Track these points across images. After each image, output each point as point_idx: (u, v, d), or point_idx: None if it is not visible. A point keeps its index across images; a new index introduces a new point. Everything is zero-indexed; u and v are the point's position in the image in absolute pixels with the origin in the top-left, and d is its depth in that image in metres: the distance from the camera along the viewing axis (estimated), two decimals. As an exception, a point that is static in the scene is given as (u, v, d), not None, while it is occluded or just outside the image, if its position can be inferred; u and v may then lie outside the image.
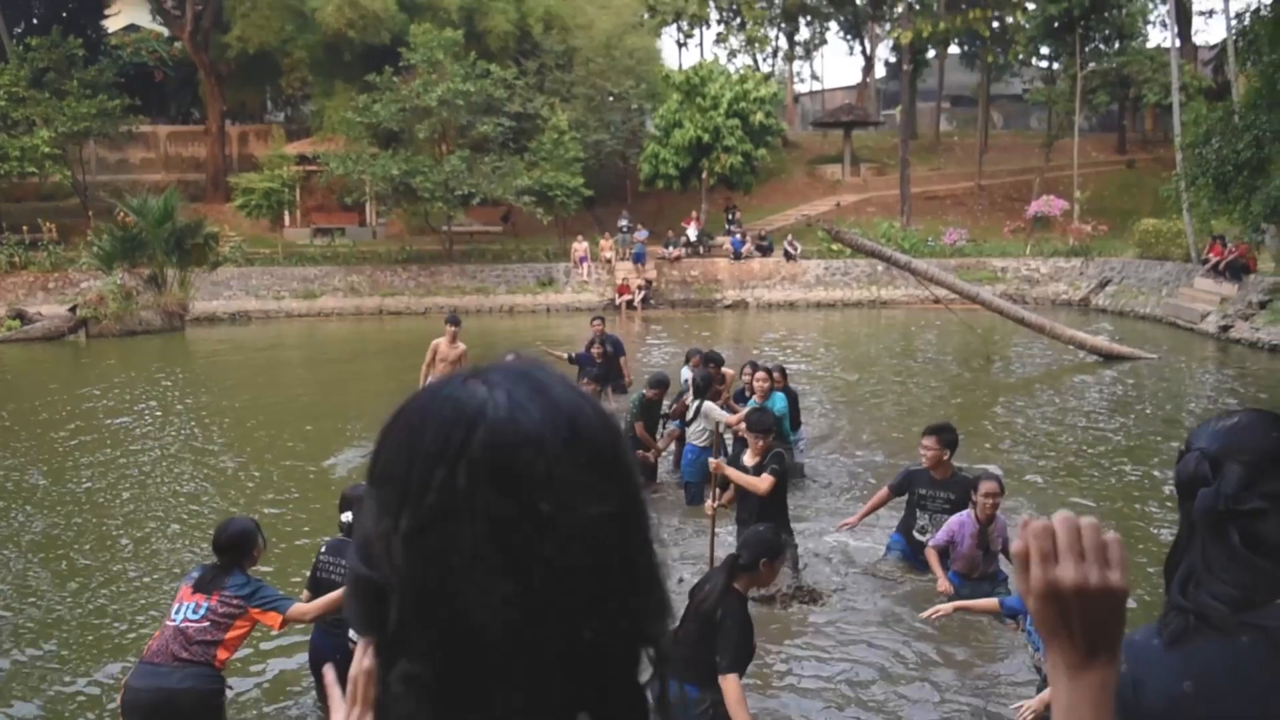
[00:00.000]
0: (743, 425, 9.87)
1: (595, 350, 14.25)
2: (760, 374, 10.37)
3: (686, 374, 11.48)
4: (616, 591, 0.90)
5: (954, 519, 7.28)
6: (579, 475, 0.89)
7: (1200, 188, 16.78)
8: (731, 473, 7.88)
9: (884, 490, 8.27)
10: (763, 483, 7.63)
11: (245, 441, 13.81)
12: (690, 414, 10.29)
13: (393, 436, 0.94)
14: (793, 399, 11.11)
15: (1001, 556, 7.12)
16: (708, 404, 10.02)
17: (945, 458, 7.83)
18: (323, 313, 33.21)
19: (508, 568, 0.86)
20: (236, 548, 5.31)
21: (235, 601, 5.18)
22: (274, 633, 5.97)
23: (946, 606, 6.17)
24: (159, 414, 15.93)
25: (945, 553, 7.23)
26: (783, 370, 11.35)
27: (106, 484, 11.54)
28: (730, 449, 10.26)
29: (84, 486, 11.41)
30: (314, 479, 11.63)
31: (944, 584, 7.12)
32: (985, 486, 7.05)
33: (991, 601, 6.14)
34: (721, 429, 9.82)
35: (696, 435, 10.18)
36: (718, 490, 8.15)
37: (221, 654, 5.16)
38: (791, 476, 9.70)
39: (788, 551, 6.71)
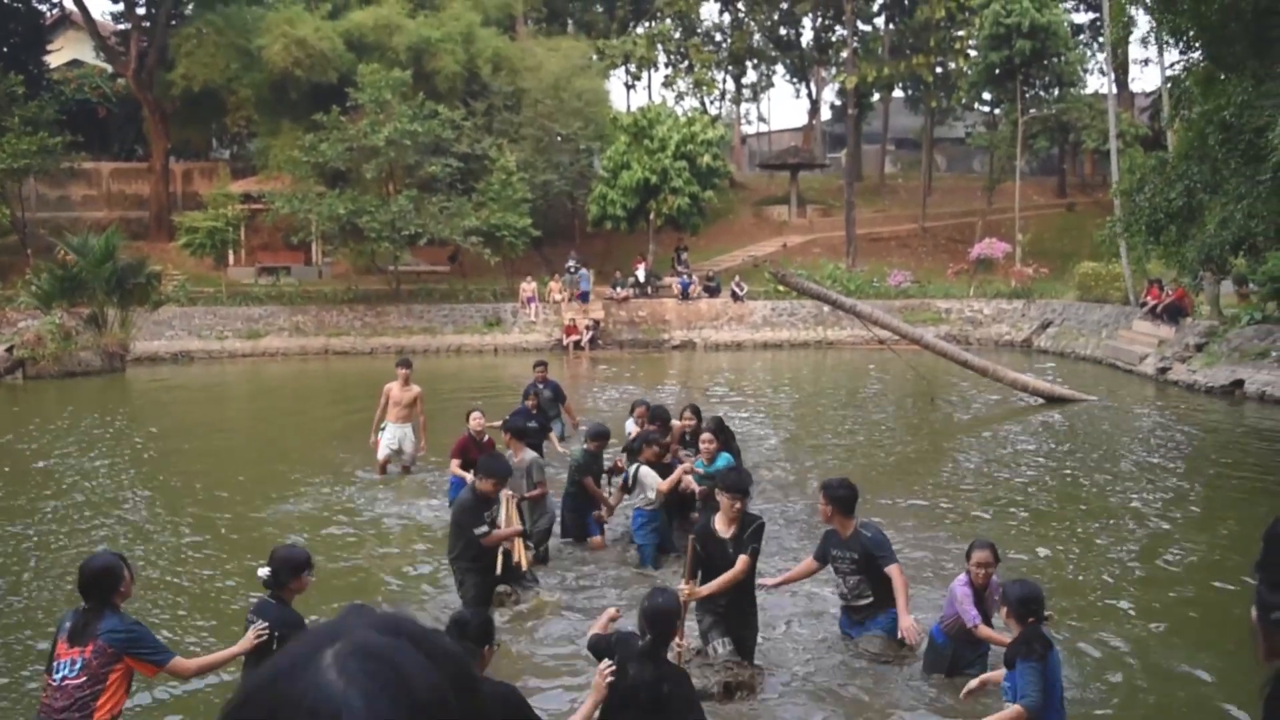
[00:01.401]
0: (686, 484, 9.73)
1: (530, 402, 13.92)
2: (706, 435, 9.98)
3: (630, 426, 11.30)
4: None
5: (957, 587, 6.93)
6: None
7: (1134, 233, 17.12)
8: (709, 588, 6.94)
9: (808, 560, 7.90)
10: (741, 569, 6.91)
11: (178, 489, 13.48)
12: (630, 479, 9.98)
13: (248, 686, 0.91)
14: (735, 454, 10.63)
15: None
16: (643, 469, 9.78)
17: (832, 514, 7.45)
18: (267, 353, 32.83)
19: None
20: (100, 585, 5.10)
21: (110, 651, 5.00)
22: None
23: (974, 683, 6.07)
24: (90, 457, 15.59)
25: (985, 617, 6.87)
26: (720, 423, 10.75)
27: (15, 531, 11.22)
28: (665, 515, 10.06)
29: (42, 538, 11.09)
30: (246, 530, 11.41)
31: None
32: (977, 556, 6.79)
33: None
34: (653, 494, 9.71)
35: (639, 500, 9.90)
36: (690, 580, 7.03)
37: (103, 707, 4.97)
38: None
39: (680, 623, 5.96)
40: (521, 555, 8.61)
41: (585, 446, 10.65)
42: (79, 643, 5.03)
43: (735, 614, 7.11)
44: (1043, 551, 10.36)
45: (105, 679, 4.99)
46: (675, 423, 11.08)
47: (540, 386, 14.71)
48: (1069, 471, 14.30)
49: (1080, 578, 9.59)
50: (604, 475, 10.82)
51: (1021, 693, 5.36)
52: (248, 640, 5.41)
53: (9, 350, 26.71)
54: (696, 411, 10.96)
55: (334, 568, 9.69)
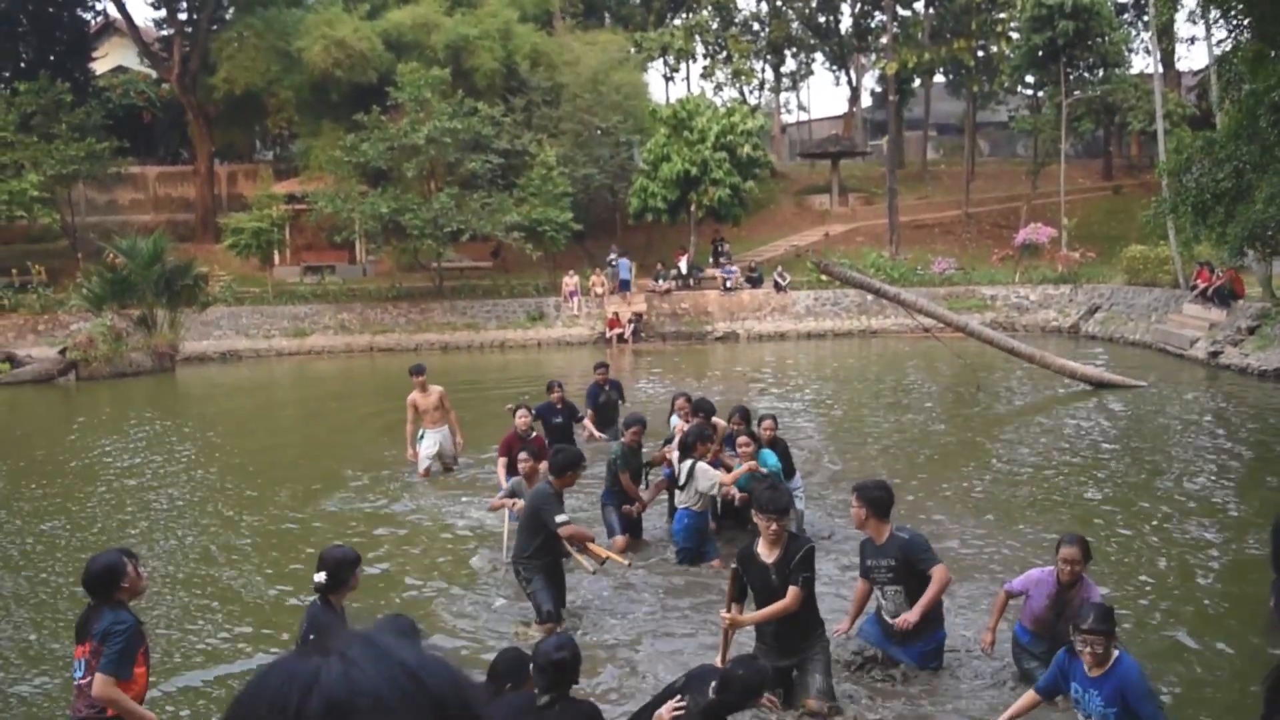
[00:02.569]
0: (727, 491, 9.40)
1: (554, 395, 13.62)
2: (743, 438, 9.62)
3: (676, 422, 11.01)
4: None
5: (1035, 570, 6.73)
6: (418, 715, 0.91)
7: (1181, 214, 16.82)
8: (753, 618, 6.54)
9: (859, 583, 7.28)
10: (792, 600, 6.32)
11: (222, 488, 13.65)
12: (682, 477, 9.49)
13: (232, 713, 0.94)
14: (783, 449, 10.32)
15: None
16: (700, 466, 9.35)
17: (866, 518, 6.93)
18: (313, 351, 33.15)
19: None
20: (102, 583, 5.09)
21: (100, 649, 5.00)
22: None
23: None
24: (139, 456, 15.83)
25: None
26: (773, 419, 10.53)
27: (56, 528, 11.42)
28: (719, 507, 9.92)
29: (61, 539, 11.29)
30: (285, 530, 11.53)
31: (986, 638, 6.75)
32: (1064, 551, 6.43)
33: (1029, 698, 5.80)
34: (714, 490, 9.38)
35: (689, 500, 9.46)
36: (733, 605, 6.65)
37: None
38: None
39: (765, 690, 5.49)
40: (602, 551, 8.47)
41: (623, 440, 10.42)
42: (80, 641, 5.08)
43: (786, 646, 6.51)
44: (1113, 543, 10.05)
45: None
46: (720, 422, 10.56)
47: (606, 388, 14.72)
48: (1123, 459, 14.10)
49: (1157, 568, 9.38)
50: (644, 471, 10.51)
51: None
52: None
53: (62, 353, 27.19)
54: (745, 415, 10.42)
55: (369, 572, 9.76)
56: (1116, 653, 5.45)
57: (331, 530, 11.20)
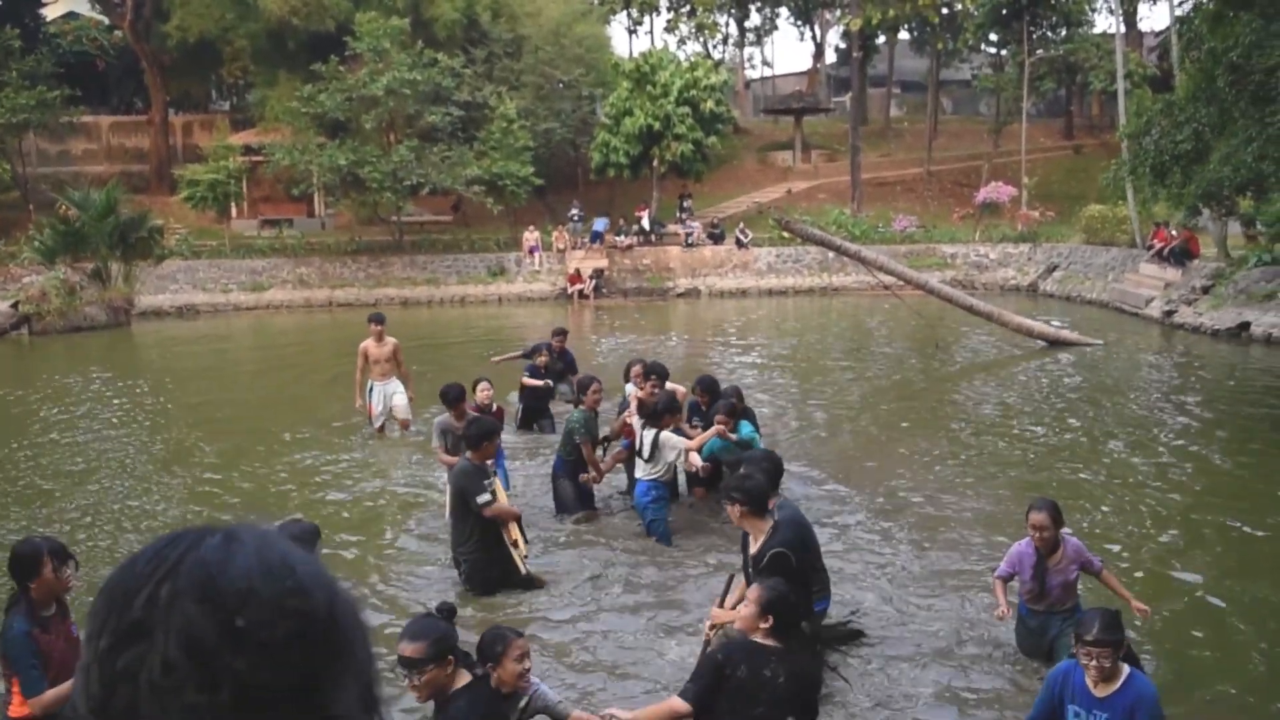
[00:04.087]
0: (690, 462, 8.89)
1: (540, 359, 13.47)
2: (720, 416, 8.92)
3: (630, 389, 10.45)
4: (301, 712, 0.92)
5: (1014, 547, 6.52)
6: (281, 598, 0.92)
7: (1139, 176, 16.94)
8: (724, 615, 5.65)
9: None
10: (747, 613, 4.78)
11: (176, 448, 13.49)
12: (646, 448, 8.81)
13: (113, 574, 0.95)
14: (751, 417, 9.69)
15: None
16: (664, 435, 8.76)
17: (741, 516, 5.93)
18: (271, 305, 32.84)
19: (200, 683, 0.87)
20: (13, 574, 4.67)
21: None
22: None
23: None
24: (92, 412, 15.63)
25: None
26: (739, 393, 9.96)
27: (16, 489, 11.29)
28: (682, 478, 9.57)
29: (38, 499, 11.16)
30: (245, 489, 11.45)
31: (1000, 609, 6.41)
32: (1033, 518, 6.22)
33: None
34: (680, 459, 8.85)
35: (657, 470, 8.81)
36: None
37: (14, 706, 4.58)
38: None
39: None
40: (521, 541, 7.91)
41: (582, 405, 9.69)
42: None
43: None
44: (1079, 501, 9.99)
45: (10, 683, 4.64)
46: (678, 388, 10.02)
47: (554, 355, 13.98)
48: (1077, 415, 14.26)
49: (1128, 523, 9.43)
50: (603, 443, 10.00)
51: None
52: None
53: (14, 306, 26.74)
54: (711, 387, 9.99)
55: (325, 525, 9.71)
56: (1127, 669, 4.78)
57: (286, 488, 11.14)
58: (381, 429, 13.17)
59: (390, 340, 13.12)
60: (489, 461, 8.01)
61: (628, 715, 4.75)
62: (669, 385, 9.82)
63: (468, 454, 7.90)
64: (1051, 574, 6.30)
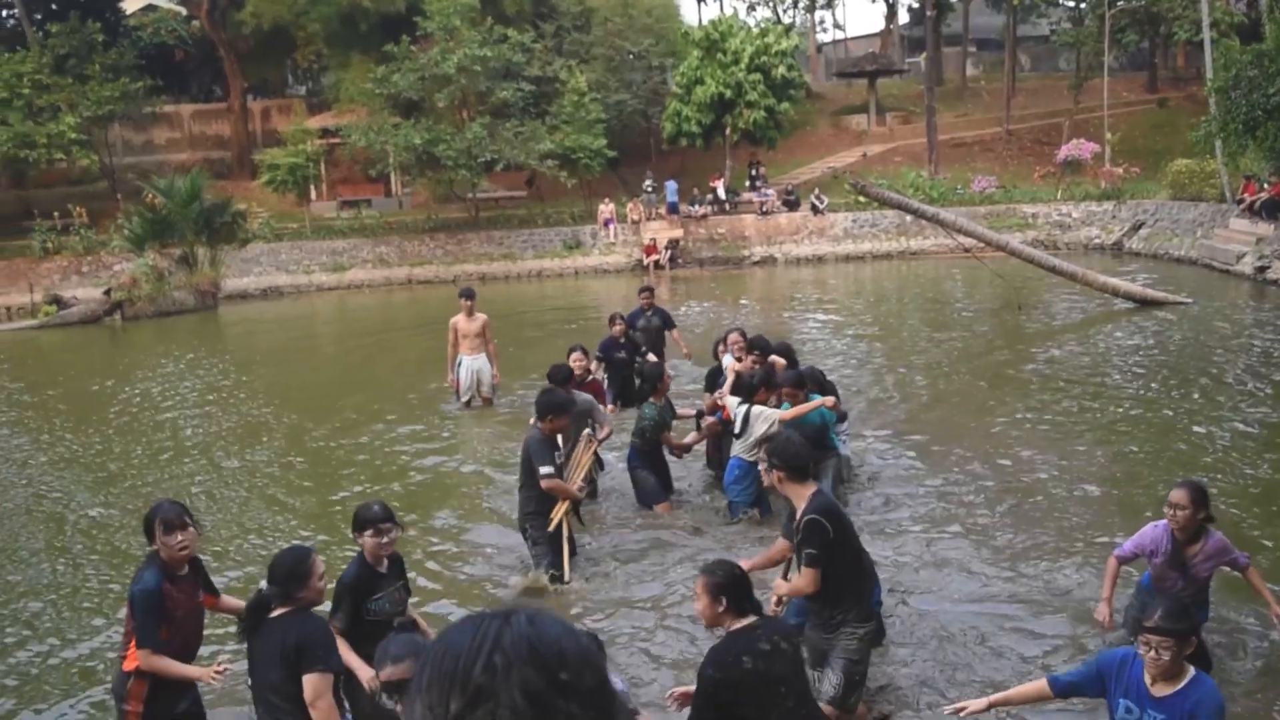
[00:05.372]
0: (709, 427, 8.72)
1: (616, 329, 12.75)
2: (787, 389, 8.46)
3: (729, 361, 9.89)
4: None
5: (1147, 527, 5.90)
6: (584, 655, 1.22)
7: (1230, 133, 16.37)
8: (783, 590, 5.54)
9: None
10: (802, 586, 5.27)
11: (261, 424, 13.83)
12: (738, 424, 8.41)
13: (432, 652, 1.23)
14: (832, 390, 9.27)
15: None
16: (755, 409, 8.34)
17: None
18: (352, 285, 33.36)
19: None
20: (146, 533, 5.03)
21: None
22: None
23: (979, 702, 4.64)
24: (184, 393, 16.08)
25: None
26: (818, 374, 9.35)
27: (155, 472, 11.66)
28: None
29: (134, 474, 11.54)
30: (321, 463, 11.69)
31: (1101, 610, 5.85)
32: (1172, 495, 5.68)
33: (1035, 687, 4.72)
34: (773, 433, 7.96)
35: (745, 449, 8.37)
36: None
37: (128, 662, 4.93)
38: (843, 480, 8.85)
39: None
40: (568, 525, 7.72)
41: (652, 400, 9.29)
42: None
43: (814, 619, 5.48)
44: (1191, 472, 9.67)
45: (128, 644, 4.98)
46: (778, 360, 9.50)
47: (647, 314, 13.56)
48: (1168, 378, 13.95)
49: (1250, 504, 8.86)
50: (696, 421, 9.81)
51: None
52: (203, 673, 4.92)
53: (107, 293, 27.52)
54: (788, 352, 9.78)
55: (395, 504, 9.85)
56: (1193, 671, 4.23)
57: (370, 463, 11.35)
58: (468, 403, 13.32)
59: (480, 315, 13.18)
60: (559, 435, 7.80)
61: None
62: (771, 358, 9.47)
63: (538, 424, 7.71)
64: (1192, 567, 5.73)
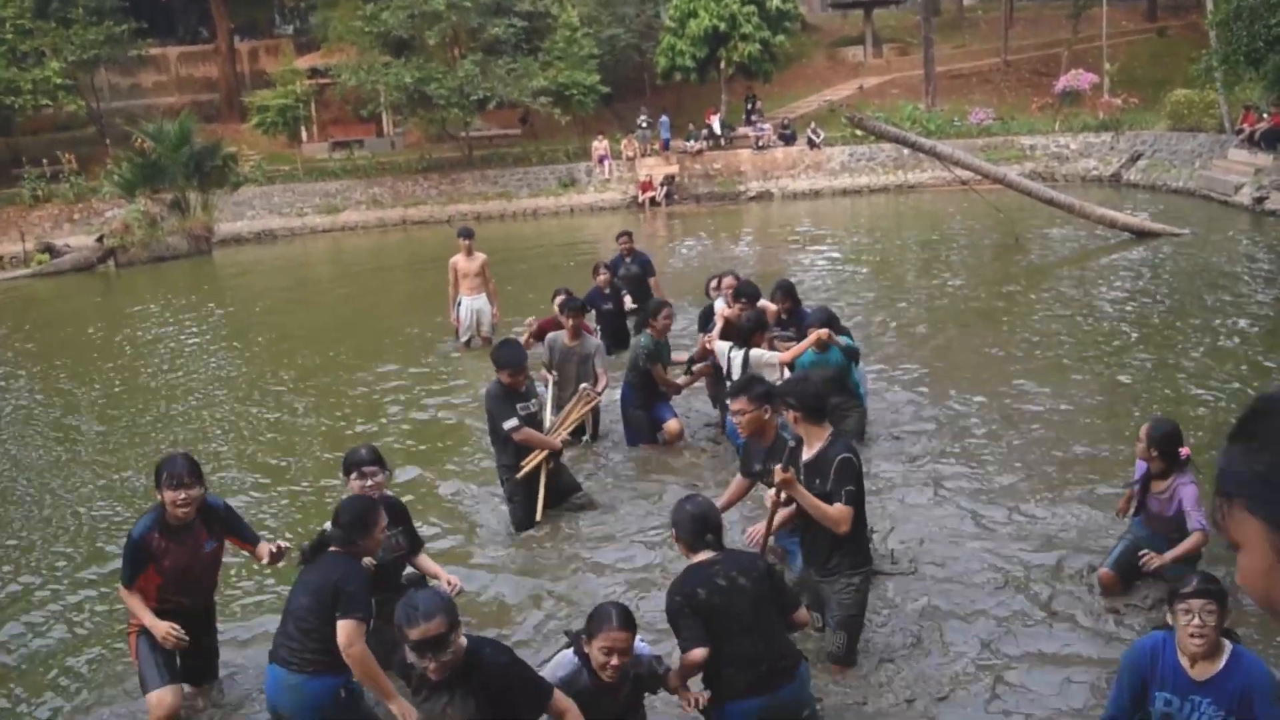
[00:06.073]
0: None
1: (601, 278, 12.06)
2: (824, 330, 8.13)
3: (719, 305, 9.43)
4: None
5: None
6: None
7: (1232, 65, 16.17)
8: (804, 496, 5.08)
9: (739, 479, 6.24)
10: (840, 520, 5.05)
11: (258, 370, 13.82)
12: (735, 369, 8.12)
13: None
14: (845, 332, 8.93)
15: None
16: (754, 352, 8.06)
17: (765, 417, 5.92)
18: (346, 226, 33.18)
19: None
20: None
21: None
22: None
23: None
24: (183, 338, 16.06)
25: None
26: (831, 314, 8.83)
27: (152, 416, 11.68)
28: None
29: (141, 419, 11.56)
30: (323, 406, 11.70)
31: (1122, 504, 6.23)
32: (1141, 430, 5.97)
33: None
34: (775, 375, 7.71)
35: None
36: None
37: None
38: (862, 436, 8.56)
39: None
40: (546, 471, 7.47)
41: (647, 331, 9.07)
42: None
43: (809, 555, 5.49)
44: (1156, 398, 9.95)
45: None
46: (768, 304, 9.20)
47: (627, 260, 13.02)
48: (1164, 310, 13.93)
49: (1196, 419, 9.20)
50: (687, 366, 9.58)
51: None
52: (159, 628, 5.04)
53: (100, 240, 27.35)
54: (790, 292, 9.55)
55: (395, 447, 9.86)
56: (1229, 645, 3.91)
57: (366, 405, 11.36)
58: (468, 343, 13.33)
59: (479, 255, 13.16)
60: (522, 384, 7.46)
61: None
62: (760, 303, 9.04)
63: (499, 376, 7.40)
64: (1151, 497, 5.91)
